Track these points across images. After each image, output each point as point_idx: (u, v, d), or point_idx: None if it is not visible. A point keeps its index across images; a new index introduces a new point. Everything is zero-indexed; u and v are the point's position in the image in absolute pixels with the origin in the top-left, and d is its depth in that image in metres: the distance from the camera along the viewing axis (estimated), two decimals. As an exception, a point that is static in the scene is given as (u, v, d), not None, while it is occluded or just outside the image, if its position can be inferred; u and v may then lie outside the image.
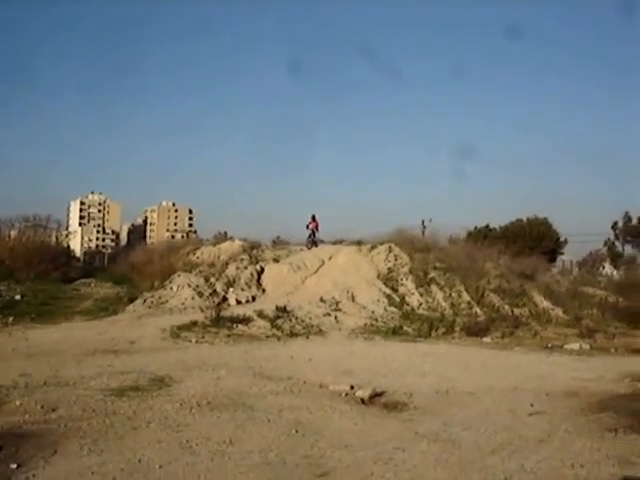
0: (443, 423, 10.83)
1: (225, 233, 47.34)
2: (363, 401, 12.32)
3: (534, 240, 46.44)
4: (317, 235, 36.77)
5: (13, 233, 45.40)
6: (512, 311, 27.11)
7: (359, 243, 34.25)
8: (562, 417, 11.33)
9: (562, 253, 54.63)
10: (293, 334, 22.42)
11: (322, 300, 26.73)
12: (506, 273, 31.25)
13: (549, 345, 21.93)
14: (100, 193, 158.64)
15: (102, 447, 8.92)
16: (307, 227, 36.77)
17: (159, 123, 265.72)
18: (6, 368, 14.68)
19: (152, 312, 25.33)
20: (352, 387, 13.16)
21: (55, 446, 8.91)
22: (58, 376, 13.90)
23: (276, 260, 32.41)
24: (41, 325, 22.88)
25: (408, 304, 27.20)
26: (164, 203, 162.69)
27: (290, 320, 24.05)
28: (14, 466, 8.06)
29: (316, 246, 35.83)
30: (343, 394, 12.80)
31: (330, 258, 31.94)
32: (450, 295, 27.92)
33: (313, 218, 36.73)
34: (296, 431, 9.91)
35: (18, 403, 11.31)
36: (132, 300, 27.55)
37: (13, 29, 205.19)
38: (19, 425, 10.03)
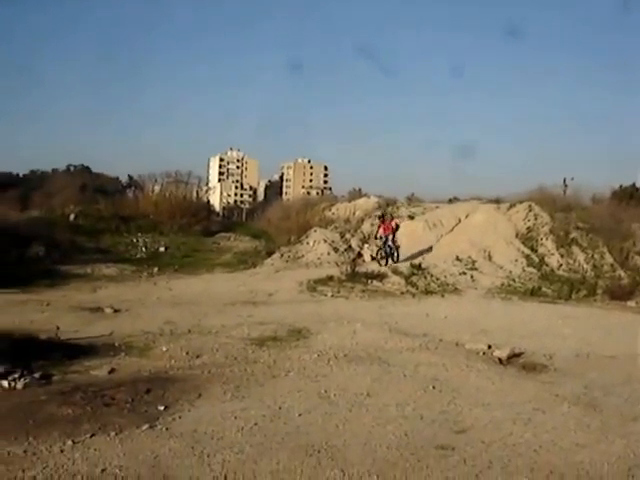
0: (584, 387, 10.51)
1: (359, 190, 47.48)
2: (501, 361, 12.14)
3: (685, 200, 43.71)
4: (395, 242, 25.72)
5: (157, 188, 47.45)
6: (659, 275, 25.79)
7: (497, 201, 33.44)
8: None
9: None
10: (428, 292, 22.31)
11: (458, 259, 26.40)
12: (653, 235, 29.67)
13: (699, 311, 20.77)
14: (238, 150, 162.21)
15: (244, 393, 9.25)
16: (376, 237, 26.49)
17: (293, 82, 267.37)
18: (152, 316, 15.44)
19: (289, 266, 25.86)
20: (489, 346, 12.97)
21: (199, 390, 9.31)
22: (201, 325, 14.48)
23: (411, 217, 32.19)
24: (184, 276, 23.85)
25: (547, 265, 26.42)
26: (300, 160, 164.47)
27: (425, 278, 23.94)
28: (162, 408, 8.50)
29: (394, 261, 25.50)
30: (480, 353, 12.66)
31: (467, 216, 31.41)
32: (592, 257, 26.88)
33: (382, 219, 26.63)
34: (433, 387, 9.88)
35: (164, 349, 11.88)
36: (270, 254, 28.24)
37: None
38: (165, 370, 10.55)
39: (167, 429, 7.74)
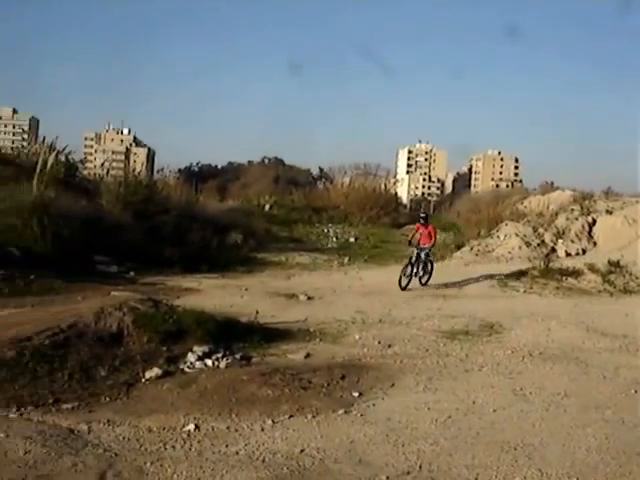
0: None
1: (552, 183, 46.00)
2: None
3: None
4: (428, 254, 19.14)
5: (346, 180, 48.53)
6: None
7: None
8: None
9: None
10: (627, 291, 21.15)
11: (661, 257, 24.86)
12: None
13: None
14: (427, 142, 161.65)
15: (436, 385, 9.28)
16: (410, 242, 19.71)
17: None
18: (344, 305, 15.77)
19: (478, 259, 25.45)
20: (698, 352, 12.16)
21: (392, 380, 9.45)
22: (391, 315, 14.63)
23: (609, 212, 30.56)
24: (373, 266, 24.14)
25: None
26: (490, 152, 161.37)
27: (624, 276, 22.69)
28: (356, 394, 8.74)
29: (422, 283, 19.07)
30: (687, 358, 11.90)
31: (673, 211, 29.43)
32: None
33: (424, 221, 19.54)
34: (635, 391, 9.42)
35: (357, 337, 12.16)
36: (459, 247, 27.91)
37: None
38: (359, 357, 10.81)
39: (362, 415, 7.94)
